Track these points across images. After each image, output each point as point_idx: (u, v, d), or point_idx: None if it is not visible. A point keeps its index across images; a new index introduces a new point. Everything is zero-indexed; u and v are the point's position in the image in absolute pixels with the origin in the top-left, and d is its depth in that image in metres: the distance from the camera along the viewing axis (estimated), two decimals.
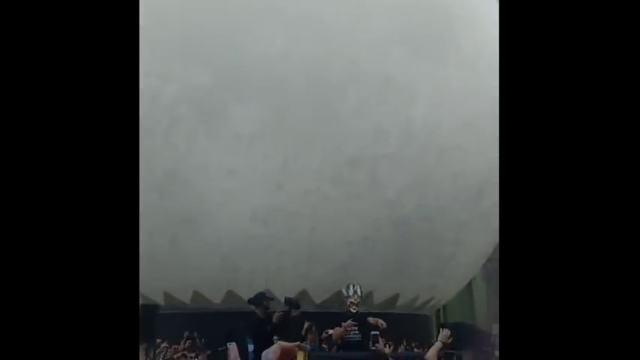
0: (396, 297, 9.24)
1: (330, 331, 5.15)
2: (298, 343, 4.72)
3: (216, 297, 8.01)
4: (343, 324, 4.99)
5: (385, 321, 8.29)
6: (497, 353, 3.44)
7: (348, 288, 5.38)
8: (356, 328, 5.05)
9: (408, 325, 9.13)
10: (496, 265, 14.91)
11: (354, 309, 5.19)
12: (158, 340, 6.36)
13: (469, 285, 13.06)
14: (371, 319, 5.12)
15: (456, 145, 8.67)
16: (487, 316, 13.65)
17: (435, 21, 8.67)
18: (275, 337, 5.27)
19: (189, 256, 7.90)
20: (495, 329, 12.37)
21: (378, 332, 5.11)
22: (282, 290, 7.91)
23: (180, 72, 7.53)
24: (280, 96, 7.46)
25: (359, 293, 5.31)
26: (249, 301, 5.14)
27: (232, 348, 2.78)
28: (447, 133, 8.52)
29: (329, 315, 5.45)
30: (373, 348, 4.83)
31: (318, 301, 8.34)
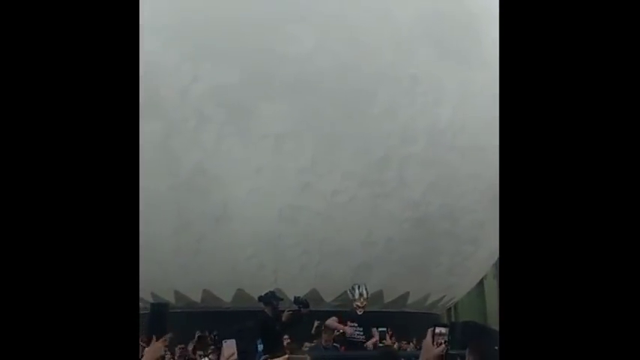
0: (406, 295, 9.30)
1: (340, 327, 5.08)
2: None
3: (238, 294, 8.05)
4: (346, 325, 4.95)
5: (396, 319, 8.32)
6: None
7: (353, 290, 5.33)
8: (360, 327, 5.03)
9: (418, 324, 9.23)
10: None
11: (360, 311, 5.15)
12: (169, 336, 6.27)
13: (480, 283, 13.20)
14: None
15: (478, 146, 8.73)
16: (498, 315, 13.84)
17: (459, 22, 8.69)
18: (285, 337, 5.30)
19: (215, 255, 7.89)
20: None
21: (385, 329, 5.10)
22: (305, 289, 7.98)
23: (210, 70, 7.48)
24: (309, 95, 7.44)
25: (365, 295, 5.26)
26: (259, 299, 5.16)
27: (227, 346, 2.74)
28: (471, 134, 8.57)
29: (341, 314, 5.35)
30: (381, 345, 4.82)
31: (340, 300, 8.40)
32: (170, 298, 8.45)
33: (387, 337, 5.10)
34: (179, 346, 6.84)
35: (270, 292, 5.21)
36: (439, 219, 8.62)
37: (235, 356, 2.73)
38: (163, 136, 7.58)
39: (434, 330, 2.49)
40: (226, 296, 8.23)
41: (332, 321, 5.10)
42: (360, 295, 5.21)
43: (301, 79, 7.39)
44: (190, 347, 6.66)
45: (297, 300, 5.21)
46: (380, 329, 4.93)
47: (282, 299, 5.18)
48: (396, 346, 6.12)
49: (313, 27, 7.53)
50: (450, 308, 12.97)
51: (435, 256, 9.09)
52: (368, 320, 5.11)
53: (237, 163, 7.45)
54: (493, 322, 14.43)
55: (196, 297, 8.46)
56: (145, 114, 7.61)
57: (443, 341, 2.53)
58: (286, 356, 2.52)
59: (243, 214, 7.60)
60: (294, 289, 7.88)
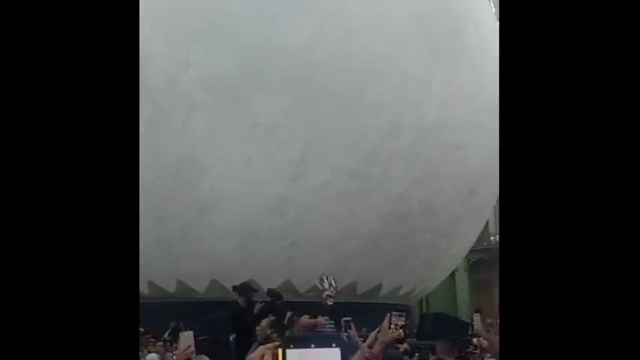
0: (379, 287, 9.52)
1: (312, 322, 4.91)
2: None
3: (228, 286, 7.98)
4: (316, 321, 5.01)
5: (367, 311, 8.52)
6: (475, 341, 3.55)
7: (322, 281, 5.38)
8: (330, 320, 4.96)
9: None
10: (478, 255, 15.69)
11: (331, 301, 5.19)
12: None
13: (452, 276, 13.67)
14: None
15: (460, 144, 9.02)
16: (469, 306, 14.35)
17: (447, 21, 8.92)
18: (257, 328, 5.36)
19: (200, 245, 7.80)
20: (476, 319, 13.05)
21: (349, 318, 5.21)
22: (300, 281, 8.02)
23: (200, 58, 7.33)
24: (302, 88, 7.44)
25: (334, 285, 5.32)
26: (234, 288, 5.17)
27: (184, 338, 2.77)
28: (454, 132, 8.84)
29: (313, 305, 5.40)
30: (345, 334, 4.91)
31: (313, 291, 8.52)
32: (144, 289, 8.31)
33: (352, 327, 5.17)
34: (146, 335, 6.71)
35: (245, 282, 5.20)
36: (420, 214, 8.87)
37: (192, 348, 2.70)
38: (151, 123, 7.37)
39: (391, 314, 2.60)
40: (202, 287, 8.14)
41: (304, 319, 5.12)
42: (330, 285, 5.25)
43: (294, 71, 7.37)
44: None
45: (270, 292, 5.25)
46: (344, 319, 4.98)
47: (257, 290, 5.21)
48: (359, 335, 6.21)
49: (308, 20, 7.52)
50: (422, 300, 13.37)
51: (412, 249, 9.35)
52: (339, 312, 5.04)
53: (227, 152, 7.37)
54: (463, 314, 15.03)
55: (172, 288, 8.35)
56: None
57: (400, 325, 2.64)
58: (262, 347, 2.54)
59: (230, 204, 7.54)
60: (273, 280, 7.95)
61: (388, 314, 2.70)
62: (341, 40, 7.68)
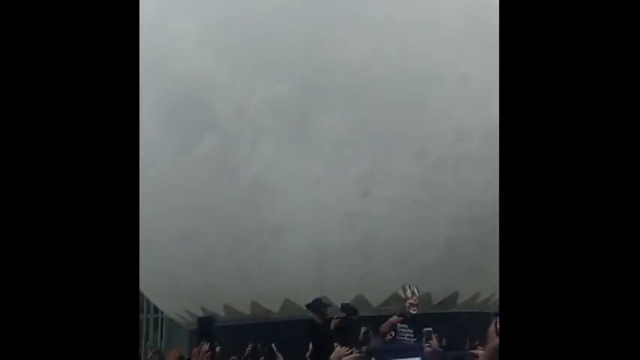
0: (455, 295, 9.20)
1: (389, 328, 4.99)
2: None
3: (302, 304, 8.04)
4: (390, 319, 4.90)
5: (447, 320, 8.13)
6: None
7: (405, 289, 5.29)
8: (410, 329, 4.93)
9: (470, 324, 9.12)
10: None
11: (414, 310, 5.08)
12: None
13: None
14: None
15: None
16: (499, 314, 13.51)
17: (495, 17, 8.72)
18: (335, 344, 5.24)
19: (275, 266, 7.92)
20: None
21: (431, 329, 5.01)
22: (373, 296, 7.95)
23: (263, 83, 7.57)
24: (364, 102, 7.47)
25: (417, 293, 5.22)
26: (307, 306, 5.14)
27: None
28: None
29: (387, 319, 5.19)
30: (427, 345, 4.72)
31: (386, 304, 8.37)
32: (221, 311, 8.49)
33: (433, 338, 5.02)
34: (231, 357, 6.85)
35: (317, 299, 5.19)
36: (493, 217, 8.54)
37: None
38: (222, 151, 7.67)
39: (496, 320, 2.50)
40: (276, 307, 8.18)
41: (384, 325, 5.05)
42: (413, 293, 5.19)
43: (355, 85, 7.43)
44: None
45: (344, 307, 5.22)
46: (425, 329, 4.85)
47: (329, 305, 5.19)
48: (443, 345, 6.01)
49: (364, 33, 7.59)
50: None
51: (488, 255, 9.01)
52: (419, 322, 4.96)
53: (296, 173, 7.50)
54: None
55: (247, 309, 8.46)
56: (202, 130, 7.77)
57: None
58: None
59: (304, 224, 7.63)
60: (347, 296, 7.88)
61: (494, 319, 2.65)
62: (398, 50, 7.68)
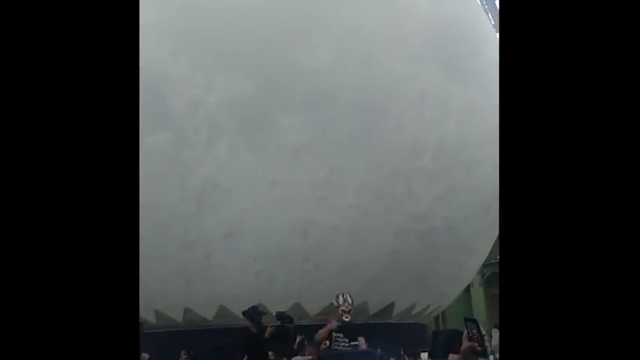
0: (392, 306, 9.39)
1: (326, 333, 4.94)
2: None
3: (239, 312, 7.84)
4: (327, 325, 4.98)
5: (381, 330, 8.31)
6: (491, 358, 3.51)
7: (337, 297, 5.29)
8: (344, 337, 4.94)
9: (405, 334, 9.37)
10: (492, 269, 15.63)
11: (347, 317, 5.10)
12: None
13: (467, 291, 13.57)
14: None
15: (477, 160, 9.05)
16: (486, 322, 14.23)
17: (461, 40, 9.03)
18: (270, 353, 5.25)
19: (221, 272, 7.66)
20: (495, 335, 12.91)
21: (363, 337, 5.10)
22: (314, 304, 7.90)
23: (223, 81, 7.29)
24: (326, 109, 7.41)
25: (349, 301, 5.23)
26: (243, 314, 5.09)
27: None
28: (472, 149, 8.87)
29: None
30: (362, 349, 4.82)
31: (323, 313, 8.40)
32: (151, 318, 8.14)
33: (364, 343, 5.09)
34: None
35: (253, 306, 5.14)
36: (442, 230, 8.82)
37: None
38: (173, 148, 7.30)
39: (467, 327, 2.61)
40: (209, 314, 7.91)
41: (321, 332, 5.06)
42: (345, 301, 5.18)
43: (319, 93, 7.36)
44: None
45: (279, 315, 5.18)
46: (359, 337, 4.85)
47: (265, 313, 5.14)
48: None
49: (329, 42, 7.54)
50: (438, 317, 13.23)
51: (434, 267, 9.27)
52: (354, 331, 4.98)
53: (250, 176, 7.30)
54: (482, 329, 14.83)
55: (207, 314, 8.15)
56: (154, 124, 7.37)
57: (475, 336, 2.61)
58: None
59: (254, 229, 7.43)
60: (308, 303, 7.81)
61: (465, 328, 2.74)
62: (361, 60, 7.70)
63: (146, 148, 7.27)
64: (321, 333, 4.98)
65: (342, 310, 5.08)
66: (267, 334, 4.82)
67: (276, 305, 7.42)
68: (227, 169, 7.30)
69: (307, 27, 7.48)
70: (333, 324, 5.08)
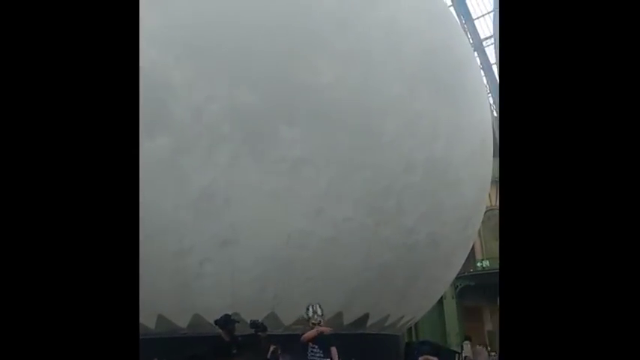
0: (365, 317, 9.62)
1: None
2: None
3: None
4: (317, 328, 5.09)
5: (354, 340, 8.52)
6: None
7: (307, 309, 5.43)
8: (319, 349, 5.11)
9: (379, 345, 9.62)
10: (465, 282, 16.22)
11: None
12: None
13: (440, 303, 13.95)
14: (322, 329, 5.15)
15: (460, 179, 9.52)
16: (458, 334, 14.64)
17: (450, 64, 9.54)
18: None
19: (218, 278, 7.63)
20: (466, 347, 13.41)
21: (334, 347, 5.25)
22: (289, 315, 7.93)
23: (226, 91, 7.33)
24: (326, 124, 7.60)
25: (319, 313, 5.36)
26: (215, 322, 5.14)
27: None
28: (456, 168, 9.32)
29: (298, 337, 5.43)
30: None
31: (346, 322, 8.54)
32: (151, 324, 7.99)
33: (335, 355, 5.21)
34: None
35: (226, 315, 5.15)
36: (426, 245, 9.16)
37: None
38: (173, 153, 7.25)
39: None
40: (185, 322, 7.78)
41: (309, 333, 5.14)
42: (315, 312, 5.27)
43: (319, 107, 7.54)
44: None
45: (253, 323, 5.21)
46: (331, 348, 4.93)
47: (237, 322, 5.17)
48: None
49: (332, 59, 7.76)
50: (411, 329, 13.54)
51: (419, 280, 9.60)
52: (327, 342, 5.13)
53: (249, 186, 7.35)
54: (453, 341, 15.32)
55: (182, 322, 8.07)
56: (154, 129, 7.32)
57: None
58: None
59: (251, 239, 7.47)
60: (289, 312, 7.88)
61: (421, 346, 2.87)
62: (360, 79, 7.97)
63: (145, 153, 7.19)
64: (310, 333, 5.07)
65: (312, 323, 5.21)
66: (239, 343, 4.81)
67: (264, 316, 7.49)
68: (226, 177, 7.32)
69: (311, 45, 7.68)
70: (327, 329, 5.18)
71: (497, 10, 26.21)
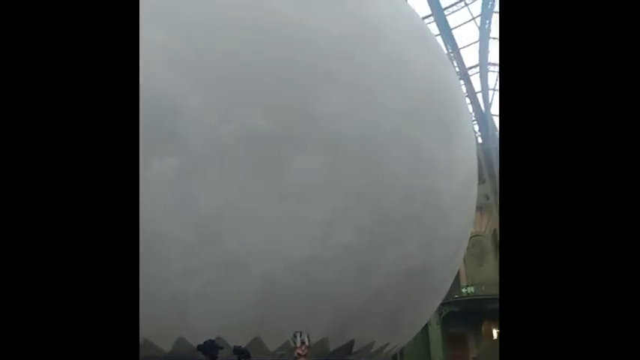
0: (351, 344, 9.70)
1: None
2: None
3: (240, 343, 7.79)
4: None
5: None
6: None
7: (295, 337, 5.23)
8: None
9: None
10: (450, 308, 16.50)
11: None
12: None
13: (425, 329, 14.06)
14: None
15: (451, 209, 9.87)
16: (443, 359, 14.75)
17: (446, 97, 9.99)
18: None
19: (218, 302, 7.61)
20: None
21: None
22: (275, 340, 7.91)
23: (238, 115, 7.47)
24: (334, 153, 7.81)
25: (306, 342, 5.19)
26: (198, 347, 5.14)
27: None
28: (449, 198, 9.67)
29: None
30: None
31: (331, 349, 8.58)
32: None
33: None
34: None
35: (209, 340, 5.14)
36: (421, 273, 9.39)
37: None
38: (182, 174, 7.29)
39: None
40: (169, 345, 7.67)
41: None
42: (302, 342, 5.11)
43: (329, 136, 7.76)
44: None
45: (236, 349, 5.15)
46: None
47: (221, 348, 5.14)
48: None
49: (340, 90, 8.02)
50: (396, 355, 13.63)
51: (412, 307, 9.79)
52: None
53: (257, 210, 7.44)
54: None
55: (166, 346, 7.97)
56: (163, 149, 7.38)
57: None
58: None
59: (255, 263, 7.53)
60: (274, 338, 7.86)
61: None
62: (366, 110, 8.26)
63: (153, 172, 7.23)
64: None
65: (298, 354, 5.05)
66: None
67: (249, 340, 7.44)
68: (234, 201, 7.40)
69: (320, 76, 7.94)
70: None
71: (481, 40, 27.19)
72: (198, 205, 7.31)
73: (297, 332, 5.23)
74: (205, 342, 4.97)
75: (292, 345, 5.23)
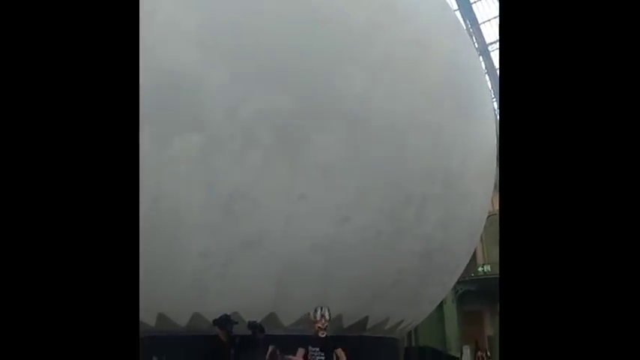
0: (365, 320, 9.71)
1: (292, 357, 5.02)
2: None
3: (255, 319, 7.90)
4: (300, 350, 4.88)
5: (353, 343, 8.73)
6: None
7: (315, 311, 5.26)
8: (321, 352, 5.03)
9: (378, 349, 9.84)
10: (466, 286, 16.58)
11: (322, 333, 5.10)
12: None
13: (440, 307, 14.13)
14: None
15: (471, 190, 9.80)
16: (458, 338, 14.85)
17: (468, 78, 9.81)
18: None
19: (239, 280, 7.74)
20: (465, 352, 13.84)
21: (340, 348, 5.23)
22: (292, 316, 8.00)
23: (262, 93, 7.42)
24: (357, 133, 7.75)
25: (327, 317, 5.25)
26: (214, 322, 5.22)
27: None
28: (470, 180, 9.60)
29: (299, 338, 5.35)
30: None
31: (345, 325, 8.71)
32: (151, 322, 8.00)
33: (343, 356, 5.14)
34: None
35: (225, 315, 5.19)
36: (440, 253, 9.42)
37: None
38: (204, 152, 7.32)
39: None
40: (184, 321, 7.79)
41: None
42: (322, 316, 5.14)
43: (350, 116, 7.69)
44: None
45: (251, 324, 5.22)
46: (337, 350, 4.83)
47: (236, 323, 5.19)
48: None
49: (363, 70, 7.91)
50: (410, 333, 13.77)
51: (424, 285, 9.85)
52: (330, 344, 5.04)
53: (279, 189, 7.47)
54: (452, 346, 15.58)
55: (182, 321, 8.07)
56: (186, 126, 7.40)
57: None
58: None
59: (275, 242, 7.60)
60: (289, 314, 7.95)
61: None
62: (388, 91, 8.15)
63: (175, 150, 7.27)
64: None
65: (319, 327, 5.06)
66: (236, 343, 4.86)
67: (287, 318, 7.61)
68: (256, 179, 7.43)
69: (343, 55, 7.82)
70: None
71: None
72: (220, 183, 7.35)
73: (317, 307, 5.27)
74: (221, 316, 5.07)
75: (312, 319, 5.26)
